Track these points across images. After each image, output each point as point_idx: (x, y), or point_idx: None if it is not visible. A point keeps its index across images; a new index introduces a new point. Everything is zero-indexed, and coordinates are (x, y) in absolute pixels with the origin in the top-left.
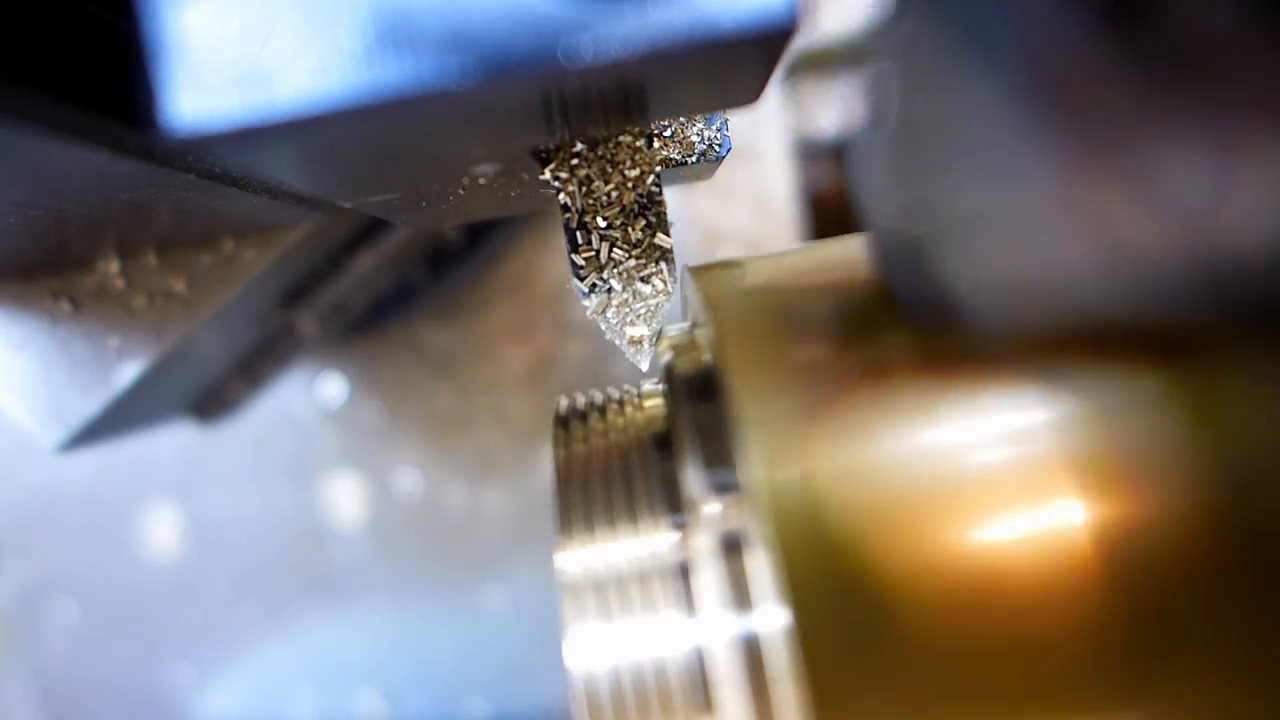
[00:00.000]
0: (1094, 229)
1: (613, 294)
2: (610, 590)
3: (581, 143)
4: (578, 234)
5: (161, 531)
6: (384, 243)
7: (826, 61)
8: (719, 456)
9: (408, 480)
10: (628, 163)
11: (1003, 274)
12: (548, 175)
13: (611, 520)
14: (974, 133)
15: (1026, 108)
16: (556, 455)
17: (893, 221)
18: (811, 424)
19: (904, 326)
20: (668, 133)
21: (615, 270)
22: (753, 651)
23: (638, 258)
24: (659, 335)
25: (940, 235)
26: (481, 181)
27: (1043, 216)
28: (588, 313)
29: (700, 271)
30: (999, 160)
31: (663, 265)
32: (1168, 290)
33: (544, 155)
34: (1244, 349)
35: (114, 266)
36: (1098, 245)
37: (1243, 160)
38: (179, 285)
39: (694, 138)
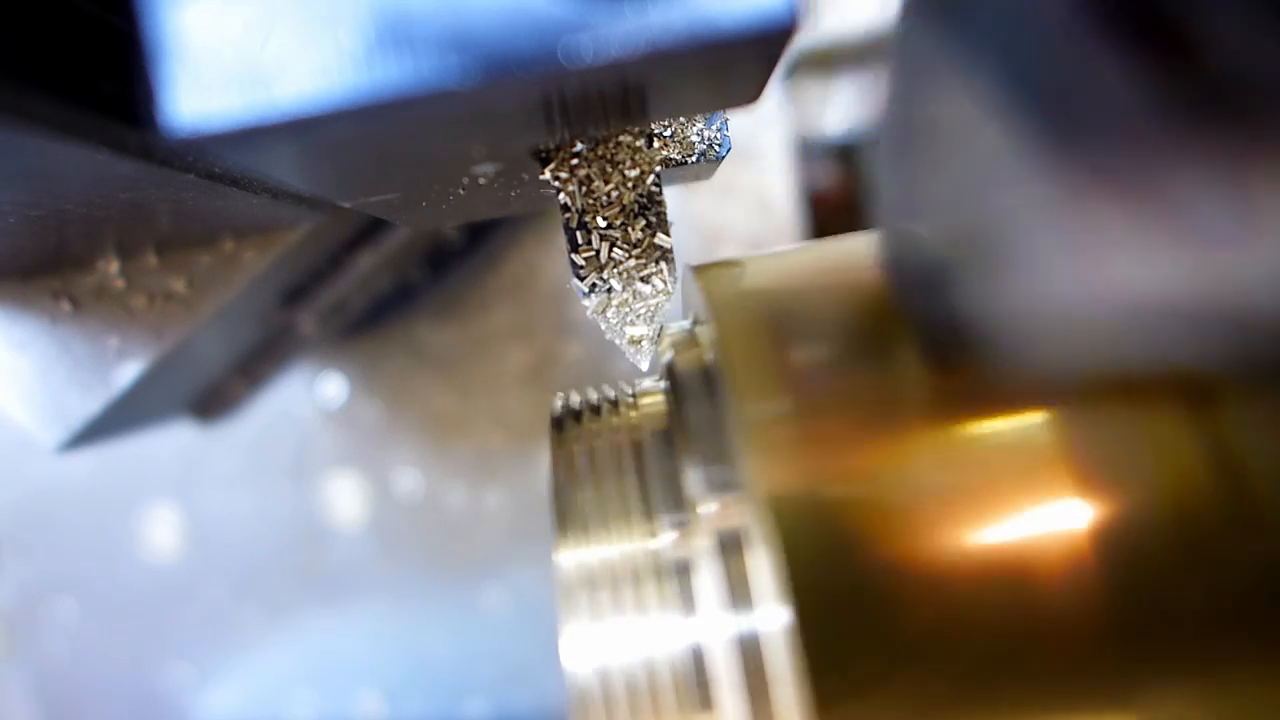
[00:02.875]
0: (1109, 269)
1: (613, 294)
2: (609, 589)
3: (581, 143)
4: (578, 234)
5: (161, 531)
6: (384, 243)
7: (826, 61)
8: (719, 455)
9: (408, 480)
10: (628, 163)
11: (1020, 310)
12: (548, 175)
13: (611, 519)
14: (976, 136)
15: (1037, 121)
16: (554, 454)
17: (910, 243)
18: (812, 422)
19: (905, 323)
20: (668, 133)
21: (615, 270)
22: (752, 650)
23: (638, 258)
24: (659, 334)
25: (960, 265)
26: (481, 181)
27: (1059, 253)
28: (588, 313)
29: (701, 270)
30: (1005, 171)
31: (663, 265)
32: (1187, 341)
33: (544, 155)
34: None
35: (114, 266)
36: (1118, 288)
37: (1264, 201)
38: (179, 285)
39: (694, 138)
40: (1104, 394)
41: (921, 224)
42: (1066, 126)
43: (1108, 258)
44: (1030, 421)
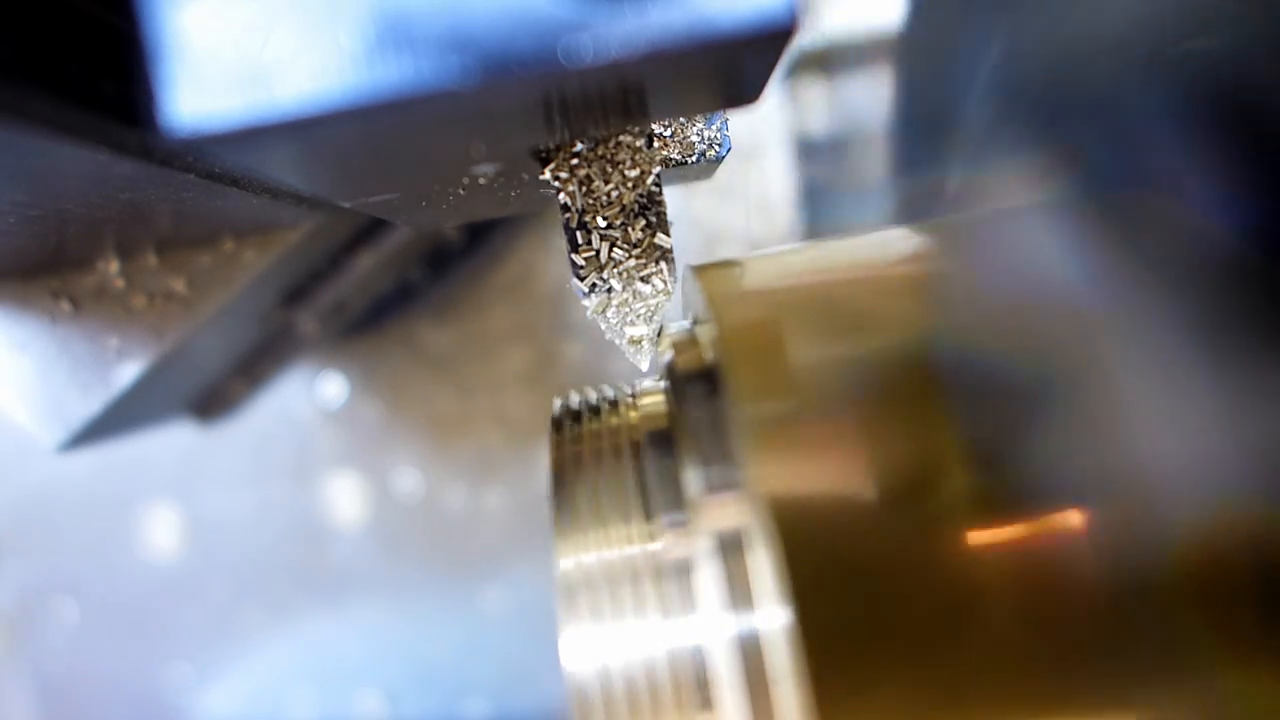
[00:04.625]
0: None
1: (613, 294)
2: (609, 589)
3: (581, 143)
4: (578, 234)
5: (161, 531)
6: (384, 243)
7: (827, 62)
8: (720, 455)
9: (408, 480)
10: (628, 163)
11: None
12: (548, 175)
13: (610, 519)
14: None
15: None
16: (554, 454)
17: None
18: (812, 422)
19: (907, 328)
20: (668, 133)
21: (615, 270)
22: (752, 650)
23: (638, 258)
24: (659, 334)
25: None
26: (481, 181)
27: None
28: (588, 313)
29: (701, 270)
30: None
31: (663, 265)
32: None
33: (544, 155)
34: None
35: (114, 266)
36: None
37: None
38: (179, 285)
39: (694, 138)
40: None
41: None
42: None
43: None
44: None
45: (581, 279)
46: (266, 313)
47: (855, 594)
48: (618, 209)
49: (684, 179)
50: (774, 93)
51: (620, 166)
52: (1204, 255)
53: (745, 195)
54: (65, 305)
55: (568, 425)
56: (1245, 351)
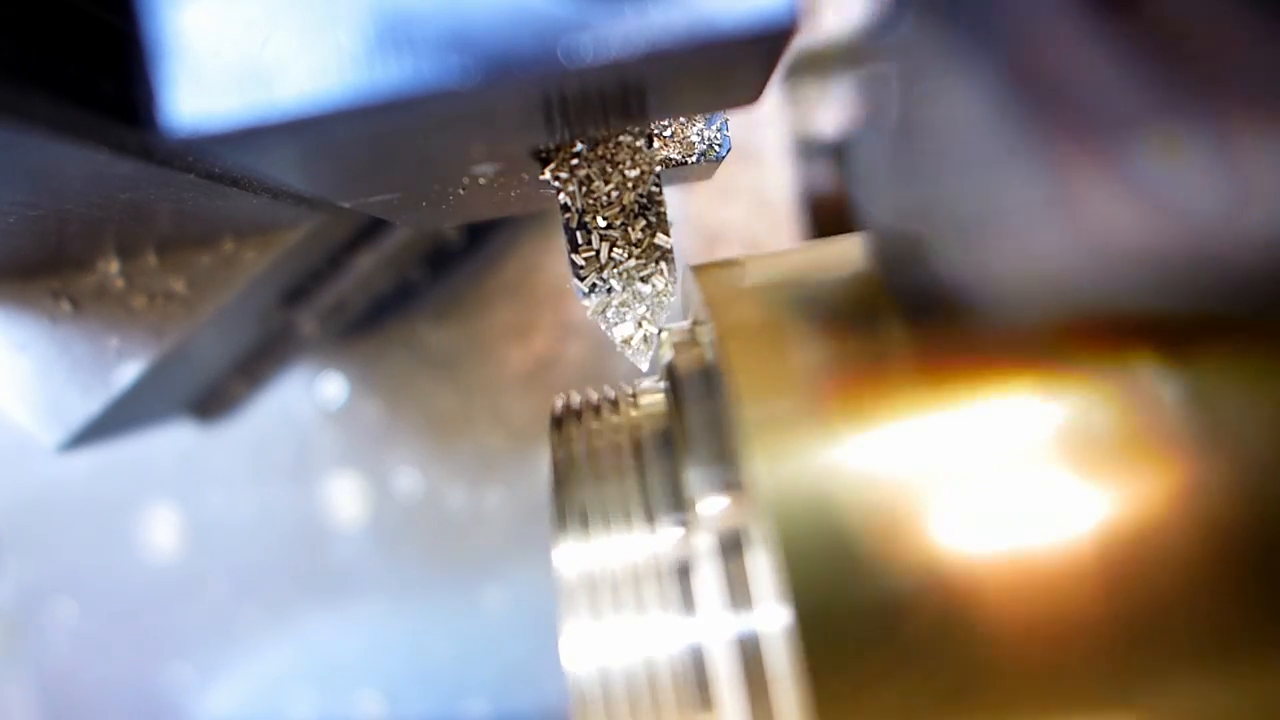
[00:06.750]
0: (1085, 226)
1: (613, 294)
2: (610, 589)
3: (581, 143)
4: (578, 234)
5: (161, 531)
6: (384, 243)
7: (826, 61)
8: (720, 455)
9: (408, 480)
10: (628, 163)
11: (1000, 269)
12: (548, 175)
13: (611, 519)
14: (969, 131)
15: (1018, 104)
16: (555, 453)
17: (891, 221)
18: (813, 422)
19: (904, 323)
20: (668, 133)
21: (615, 270)
22: (752, 650)
23: (638, 258)
24: (660, 334)
25: (938, 234)
26: (481, 181)
27: (1038, 215)
28: (588, 313)
29: (701, 270)
30: (992, 158)
31: (663, 265)
32: (1158, 285)
33: (544, 155)
34: (1235, 340)
35: (114, 266)
36: (1088, 241)
37: (1245, 159)
38: (179, 285)
39: (694, 138)
40: (1078, 339)
41: (914, 219)
42: (1052, 105)
43: (1084, 215)
44: (1029, 417)
45: (581, 279)
46: (266, 313)
47: (855, 594)
48: (618, 209)
49: (684, 179)
50: (774, 93)
51: (620, 166)
52: None
53: (745, 195)
54: (65, 305)
55: (569, 424)
56: None
